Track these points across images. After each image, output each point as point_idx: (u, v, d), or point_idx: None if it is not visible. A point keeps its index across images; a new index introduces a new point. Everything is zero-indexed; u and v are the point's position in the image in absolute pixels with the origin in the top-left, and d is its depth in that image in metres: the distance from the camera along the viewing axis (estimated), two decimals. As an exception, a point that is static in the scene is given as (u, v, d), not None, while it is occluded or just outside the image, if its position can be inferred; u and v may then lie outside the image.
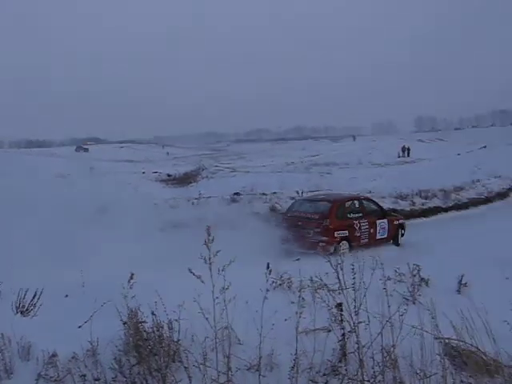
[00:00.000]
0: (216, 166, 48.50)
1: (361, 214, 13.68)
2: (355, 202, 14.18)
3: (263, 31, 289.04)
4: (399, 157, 52.78)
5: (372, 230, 13.77)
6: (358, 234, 13.34)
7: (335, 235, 12.66)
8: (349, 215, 13.51)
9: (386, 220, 14.26)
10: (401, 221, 15.18)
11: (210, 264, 3.74)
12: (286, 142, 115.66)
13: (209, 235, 3.77)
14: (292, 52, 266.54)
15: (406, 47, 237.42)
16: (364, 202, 14.50)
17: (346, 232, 12.96)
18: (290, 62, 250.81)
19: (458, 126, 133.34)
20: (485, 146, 55.29)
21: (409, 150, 54.55)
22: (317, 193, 16.33)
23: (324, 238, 12.44)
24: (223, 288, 3.75)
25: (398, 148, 55.51)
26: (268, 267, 4.08)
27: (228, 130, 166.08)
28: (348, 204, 13.94)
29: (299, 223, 13.21)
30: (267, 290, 3.97)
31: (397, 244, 14.58)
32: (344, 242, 12.79)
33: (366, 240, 13.50)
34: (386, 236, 14.25)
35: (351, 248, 12.64)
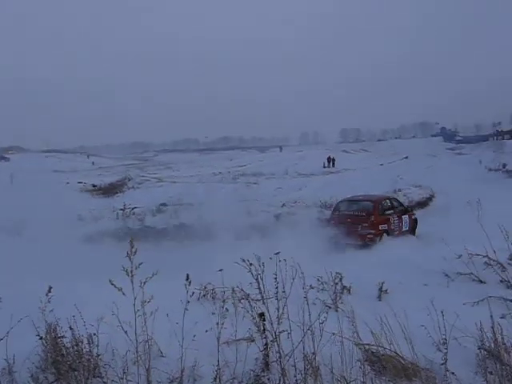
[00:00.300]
0: (142, 176, 47.76)
1: (392, 211, 16.05)
2: (387, 201, 16.76)
3: (190, 39, 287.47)
4: (324, 167, 53.67)
5: (400, 224, 16.07)
6: (393, 227, 15.58)
7: (380, 228, 15.02)
8: (386, 212, 15.87)
9: (407, 215, 16.65)
10: (415, 216, 17.54)
11: (132, 276, 3.68)
12: (213, 152, 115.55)
13: (132, 247, 3.71)
14: (218, 63, 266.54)
15: (330, 60, 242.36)
16: (393, 200, 17.13)
17: (386, 225, 15.27)
18: (216, 72, 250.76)
19: (382, 138, 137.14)
20: (406, 157, 57.41)
21: (334, 160, 55.65)
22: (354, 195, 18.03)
23: (371, 231, 14.73)
24: (144, 301, 3.70)
25: (323, 158, 56.53)
26: (187, 278, 4.04)
27: (155, 140, 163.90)
28: (384, 203, 16.38)
29: (348, 220, 15.30)
30: (188, 302, 3.94)
31: (414, 234, 16.72)
32: (384, 234, 14.99)
33: (397, 232, 15.77)
34: (407, 228, 16.51)
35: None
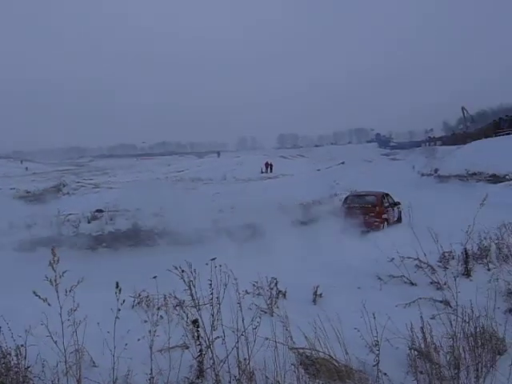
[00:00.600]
0: (78, 182, 46.78)
1: (388, 204, 19.70)
2: (385, 196, 20.02)
3: (130, 39, 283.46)
4: (262, 172, 54.08)
5: (394, 214, 19.90)
6: (389, 217, 19.27)
7: (383, 217, 18.70)
8: (385, 204, 19.43)
9: (396, 207, 20.25)
10: (400, 209, 20.32)
11: (57, 285, 3.58)
12: (151, 158, 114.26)
13: (54, 256, 3.60)
14: (154, 65, 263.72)
15: (269, 67, 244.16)
16: (387, 196, 20.31)
17: (386, 215, 18.98)
18: (152, 76, 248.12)
19: (318, 143, 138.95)
20: (343, 162, 58.53)
21: (271, 165, 56.15)
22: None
23: (377, 219, 18.42)
24: (71, 310, 3.60)
25: (261, 164, 56.89)
26: (117, 286, 3.95)
27: (91, 145, 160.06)
28: (384, 197, 19.79)
29: (357, 211, 18.63)
30: (118, 310, 3.85)
31: (400, 222, 19.67)
32: (385, 222, 18.60)
33: (392, 221, 19.49)
34: (396, 218, 20.09)
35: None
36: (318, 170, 51.49)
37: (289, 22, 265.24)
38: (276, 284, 6.52)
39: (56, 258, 3.61)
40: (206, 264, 4.70)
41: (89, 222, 20.53)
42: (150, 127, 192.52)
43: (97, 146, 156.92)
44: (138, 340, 4.15)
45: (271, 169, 55.66)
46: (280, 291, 6.65)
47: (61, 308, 3.63)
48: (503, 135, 34.72)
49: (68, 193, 36.61)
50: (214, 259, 4.71)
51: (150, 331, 3.89)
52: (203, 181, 44.85)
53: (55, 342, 3.69)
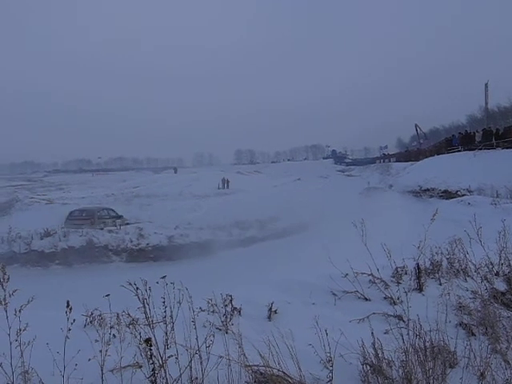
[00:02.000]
0: (32, 198, 45.67)
1: (108, 217, 23.92)
2: (105, 209, 25.11)
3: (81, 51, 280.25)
4: (219, 188, 54.04)
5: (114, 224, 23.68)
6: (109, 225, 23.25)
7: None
8: (103, 218, 23.26)
9: (120, 220, 24.52)
10: (127, 222, 24.54)
11: (6, 305, 3.48)
12: (106, 173, 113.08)
13: (4, 274, 3.51)
14: (112, 83, 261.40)
15: (225, 85, 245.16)
16: (109, 210, 25.43)
17: (103, 225, 23.38)
18: (109, 93, 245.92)
19: (275, 159, 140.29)
20: (299, 179, 59.07)
21: (228, 182, 56.17)
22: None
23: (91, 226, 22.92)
24: (19, 330, 3.50)
25: (218, 180, 56.87)
26: (68, 305, 3.87)
27: (46, 160, 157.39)
28: (100, 211, 24.54)
29: (78, 221, 22.54)
30: (69, 330, 3.77)
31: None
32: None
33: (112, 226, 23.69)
34: (119, 227, 23.11)
35: None
36: (275, 186, 51.72)
37: (246, 42, 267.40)
38: (231, 301, 6.49)
39: (6, 277, 3.52)
40: (157, 282, 4.65)
41: (42, 239, 20.08)
42: (106, 142, 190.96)
43: (51, 161, 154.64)
44: (89, 360, 4.06)
45: (228, 185, 55.67)
46: (235, 308, 6.61)
47: (9, 328, 3.53)
48: (455, 152, 35.60)
49: (21, 209, 35.63)
50: (164, 277, 4.67)
51: (100, 351, 3.81)
52: (159, 197, 44.44)
53: (0, 365, 3.58)
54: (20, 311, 3.61)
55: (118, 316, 5.33)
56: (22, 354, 3.64)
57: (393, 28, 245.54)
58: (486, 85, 54.92)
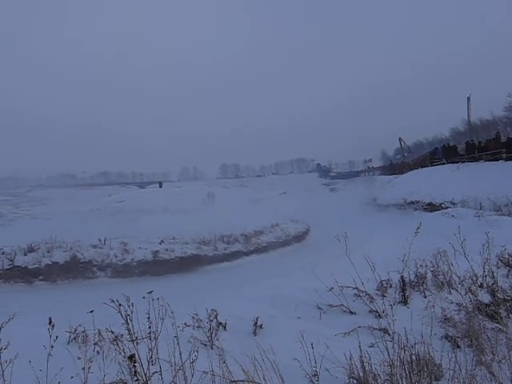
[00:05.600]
0: (15, 213, 45.25)
1: None
2: None
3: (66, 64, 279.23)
4: (204, 203, 53.98)
5: None
6: None
7: None
8: None
9: None
10: None
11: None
12: (91, 188, 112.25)
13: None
14: (95, 96, 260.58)
15: (209, 100, 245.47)
16: None
17: None
18: (92, 107, 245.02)
19: (260, 173, 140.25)
20: (284, 192, 59.19)
21: (213, 196, 56.15)
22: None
23: None
24: (1, 348, 3.45)
25: (203, 194, 56.81)
26: (50, 322, 3.83)
27: (29, 175, 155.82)
28: None
29: None
30: (52, 347, 3.72)
31: None
32: None
33: None
34: None
35: None
36: (260, 199, 51.80)
37: (231, 62, 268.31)
38: (216, 316, 6.45)
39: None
40: (143, 297, 4.62)
41: (25, 255, 19.85)
42: (90, 157, 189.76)
43: (35, 176, 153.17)
44: (72, 378, 4.00)
45: (213, 199, 55.65)
46: (220, 323, 6.57)
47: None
48: (438, 164, 35.89)
49: (4, 224, 35.25)
50: (150, 292, 4.63)
51: (83, 368, 3.77)
52: (144, 211, 44.22)
53: (-18, 384, 3.53)
54: (0, 329, 3.55)
55: (99, 333, 5.27)
56: (3, 372, 3.58)
57: (376, 44, 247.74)
58: (469, 98, 55.78)
